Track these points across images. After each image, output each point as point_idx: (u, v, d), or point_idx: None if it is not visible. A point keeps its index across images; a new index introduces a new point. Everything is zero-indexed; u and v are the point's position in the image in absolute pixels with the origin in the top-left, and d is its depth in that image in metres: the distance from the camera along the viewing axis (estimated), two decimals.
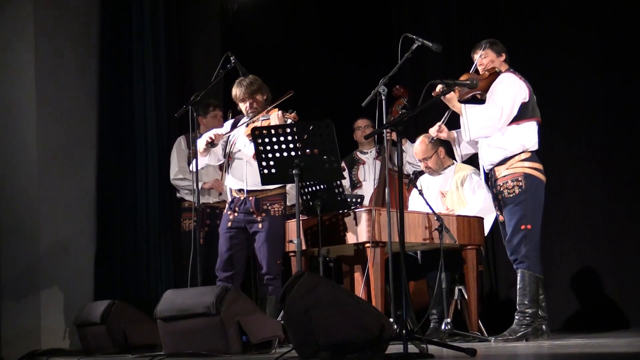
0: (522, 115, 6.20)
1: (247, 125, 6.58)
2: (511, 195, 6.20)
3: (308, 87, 9.39)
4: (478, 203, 6.85)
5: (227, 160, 6.74)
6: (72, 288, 7.85)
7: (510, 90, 6.18)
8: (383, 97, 5.94)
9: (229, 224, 6.63)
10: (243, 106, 6.69)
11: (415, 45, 6.13)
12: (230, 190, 6.72)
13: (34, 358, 7.12)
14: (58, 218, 7.88)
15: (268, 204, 6.62)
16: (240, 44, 8.65)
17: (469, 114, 6.24)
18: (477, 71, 6.40)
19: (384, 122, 5.81)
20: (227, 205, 6.74)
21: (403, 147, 7.62)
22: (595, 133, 7.90)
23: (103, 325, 6.54)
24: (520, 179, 6.18)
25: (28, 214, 7.86)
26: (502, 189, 6.24)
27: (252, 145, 6.26)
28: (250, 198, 6.58)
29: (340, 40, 9.79)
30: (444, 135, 6.63)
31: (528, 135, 6.20)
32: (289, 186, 7.28)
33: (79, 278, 7.93)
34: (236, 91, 6.66)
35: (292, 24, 9.94)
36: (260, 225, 6.59)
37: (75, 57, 8.19)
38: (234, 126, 6.77)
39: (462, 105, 6.28)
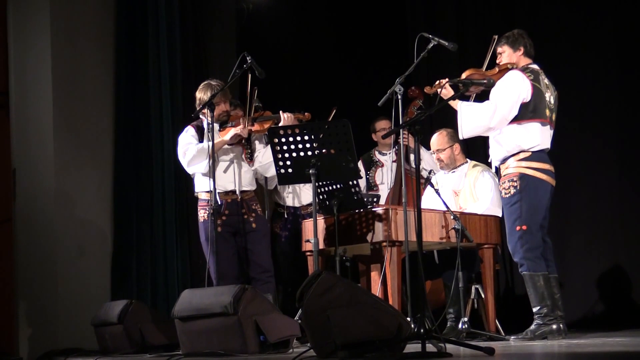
0: (522, 115, 6.09)
1: (221, 129, 6.72)
2: (507, 196, 6.14)
3: (324, 87, 9.39)
4: (485, 201, 6.83)
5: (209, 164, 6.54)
6: (89, 288, 7.87)
7: (509, 89, 6.06)
8: (399, 97, 5.94)
9: (219, 229, 6.60)
10: (218, 109, 6.69)
11: (431, 45, 6.13)
12: (210, 193, 6.44)
13: (51, 358, 7.16)
14: (75, 218, 7.91)
15: (254, 204, 6.72)
16: (256, 44, 8.66)
17: (463, 111, 6.19)
18: (494, 66, 6.36)
19: (401, 122, 5.81)
20: (212, 211, 6.43)
21: (419, 147, 7.60)
22: (610, 131, 7.85)
23: (120, 325, 6.55)
24: (515, 179, 6.10)
25: (45, 214, 7.88)
26: (501, 189, 6.22)
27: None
28: (240, 199, 6.64)
29: (356, 40, 9.78)
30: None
31: (527, 135, 6.08)
32: (306, 186, 7.32)
33: (95, 278, 7.96)
34: (212, 94, 6.60)
35: (307, 24, 9.94)
36: (253, 225, 6.69)
37: (92, 58, 8.22)
38: (200, 133, 6.74)
39: (459, 102, 6.25)
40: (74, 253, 7.85)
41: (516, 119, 6.10)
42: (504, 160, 6.21)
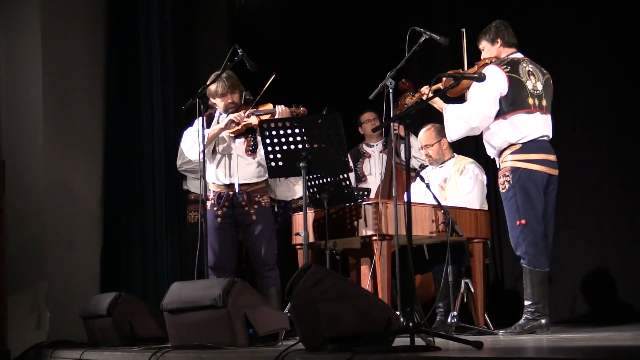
0: (503, 109, 6.08)
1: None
2: (503, 191, 6.13)
3: (315, 80, 9.38)
4: (460, 195, 6.83)
5: (210, 156, 6.76)
6: (78, 280, 7.86)
7: (484, 86, 6.01)
8: (390, 90, 5.94)
9: (219, 220, 6.64)
10: (222, 102, 6.72)
11: (422, 39, 6.13)
12: (214, 185, 6.72)
13: (40, 350, 7.14)
14: (64, 210, 7.89)
15: (258, 196, 6.70)
16: (247, 37, 8.64)
17: (447, 114, 6.19)
18: (474, 64, 6.35)
19: (392, 115, 5.81)
20: (211, 202, 6.72)
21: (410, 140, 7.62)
22: (602, 124, 7.87)
23: (109, 318, 6.54)
24: (507, 173, 6.09)
25: (34, 206, 7.87)
26: (499, 185, 6.22)
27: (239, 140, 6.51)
28: (242, 192, 6.62)
29: (348, 34, 9.77)
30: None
31: (512, 129, 6.07)
32: (295, 179, 7.32)
33: (85, 270, 7.95)
34: (217, 86, 6.66)
35: (299, 17, 9.93)
36: (254, 217, 6.66)
37: (82, 48, 8.19)
38: (209, 123, 6.77)
39: (444, 105, 6.24)
40: (63, 245, 7.84)
41: (500, 114, 6.10)
42: (499, 156, 6.21)
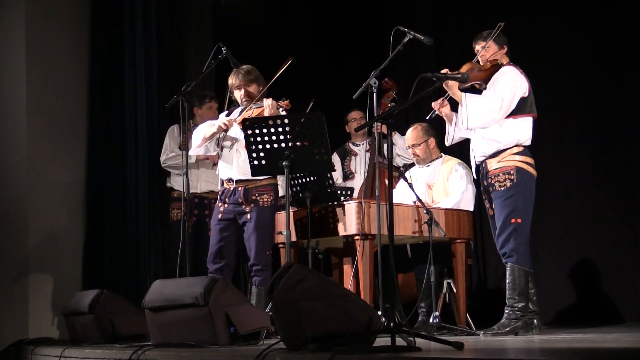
0: (520, 109, 6.16)
1: (239, 115, 6.60)
2: (502, 189, 6.16)
3: (300, 80, 9.36)
4: (455, 195, 6.85)
5: (219, 150, 6.73)
6: (60, 277, 7.84)
7: (512, 83, 6.14)
8: (374, 90, 5.94)
9: (220, 216, 6.60)
10: (238, 94, 6.67)
11: (407, 38, 6.13)
12: (221, 180, 6.68)
13: (21, 347, 7.11)
14: (47, 207, 7.87)
15: (257, 195, 6.57)
16: (232, 35, 8.63)
17: (469, 103, 6.20)
18: (478, 61, 6.38)
19: (375, 115, 5.81)
20: (218, 197, 6.71)
21: (392, 139, 7.61)
22: (586, 127, 7.90)
23: (91, 315, 6.52)
24: (512, 172, 6.14)
25: (17, 202, 7.84)
26: (493, 182, 6.21)
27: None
28: (240, 188, 6.54)
29: (332, 33, 9.77)
30: (446, 110, 6.45)
31: (523, 129, 6.17)
32: (279, 178, 7.29)
33: (67, 267, 7.93)
34: (232, 79, 6.65)
35: (284, 15, 9.92)
36: (248, 216, 6.54)
37: (66, 47, 8.17)
38: (227, 116, 6.75)
39: (462, 94, 6.24)
40: (46, 242, 7.81)
41: (513, 113, 6.17)
42: (495, 154, 6.21)
